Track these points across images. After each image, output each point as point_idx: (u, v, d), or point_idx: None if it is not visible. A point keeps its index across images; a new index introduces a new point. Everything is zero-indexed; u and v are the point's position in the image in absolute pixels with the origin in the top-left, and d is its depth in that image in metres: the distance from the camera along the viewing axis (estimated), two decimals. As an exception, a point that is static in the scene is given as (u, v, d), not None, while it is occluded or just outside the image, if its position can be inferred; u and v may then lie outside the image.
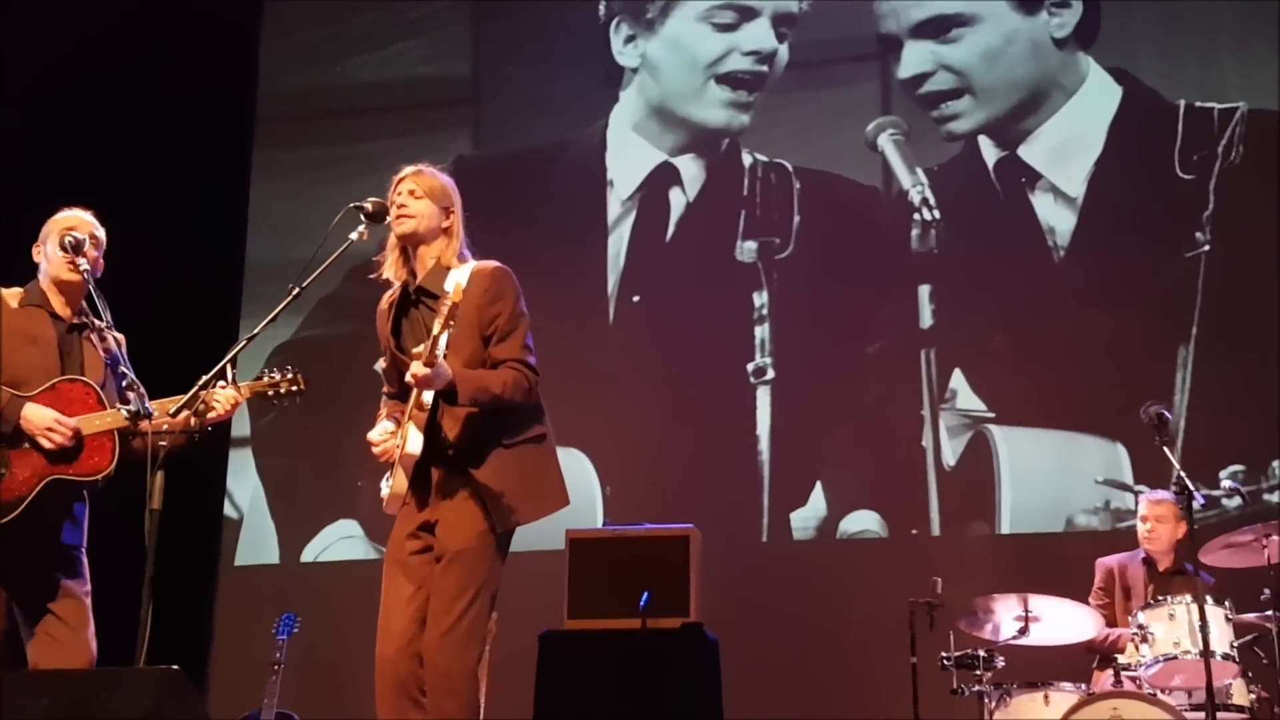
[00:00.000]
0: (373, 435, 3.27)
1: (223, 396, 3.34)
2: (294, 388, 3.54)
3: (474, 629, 3.16)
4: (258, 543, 6.58)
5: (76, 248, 3.47)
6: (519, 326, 3.27)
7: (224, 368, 3.21)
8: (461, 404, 3.14)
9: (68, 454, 3.36)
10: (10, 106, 6.14)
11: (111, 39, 6.46)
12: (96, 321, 3.52)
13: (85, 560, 3.52)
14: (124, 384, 3.36)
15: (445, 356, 3.08)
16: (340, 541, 6.47)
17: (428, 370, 3.02)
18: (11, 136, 6.10)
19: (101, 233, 3.60)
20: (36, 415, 3.33)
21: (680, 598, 4.37)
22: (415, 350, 3.09)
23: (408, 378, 3.11)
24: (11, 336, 3.43)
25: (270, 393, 3.52)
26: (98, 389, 3.45)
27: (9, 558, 3.35)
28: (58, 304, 3.52)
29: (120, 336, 3.53)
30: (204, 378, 3.17)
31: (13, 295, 3.52)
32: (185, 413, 3.18)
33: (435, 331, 3.01)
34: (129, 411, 3.24)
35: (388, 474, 3.24)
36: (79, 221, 3.56)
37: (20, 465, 3.35)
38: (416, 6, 7.11)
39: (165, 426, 3.11)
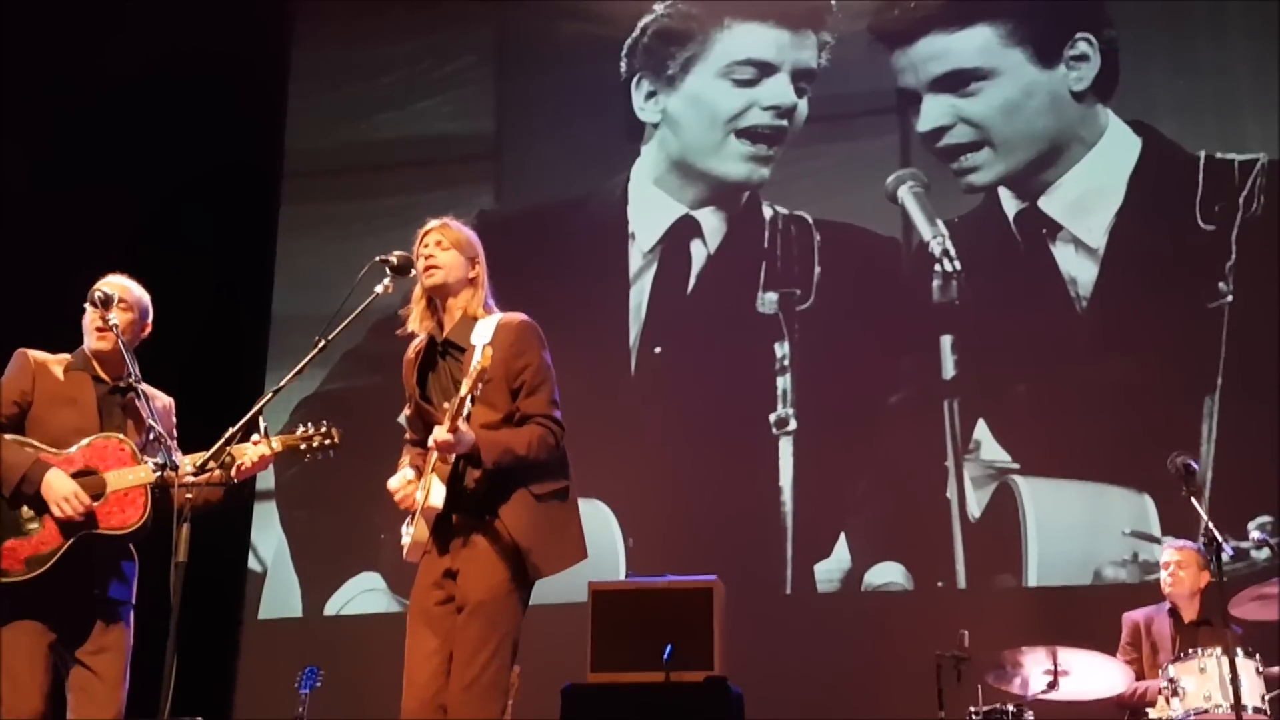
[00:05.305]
0: (392, 482, 3.28)
1: (253, 451, 3.33)
2: (327, 440, 3.49)
3: (496, 681, 3.16)
4: (281, 596, 6.58)
5: (106, 302, 3.50)
6: (546, 380, 3.29)
7: (255, 421, 3.21)
8: (486, 468, 3.16)
9: (93, 511, 3.37)
10: (38, 162, 6.24)
11: (141, 97, 6.57)
12: (145, 388, 3.53)
13: (131, 617, 3.51)
14: (151, 437, 3.38)
15: (470, 416, 3.10)
16: (363, 594, 6.47)
17: (449, 438, 3.04)
18: (39, 192, 6.19)
19: (136, 296, 3.61)
20: (57, 483, 3.34)
21: (704, 651, 4.34)
22: (444, 406, 3.10)
23: (430, 443, 3.12)
24: (50, 400, 3.47)
25: (303, 446, 3.48)
26: (133, 445, 3.46)
27: (54, 608, 3.37)
28: (100, 368, 3.56)
29: (169, 401, 3.60)
30: (229, 431, 3.18)
31: (59, 361, 3.56)
32: (212, 464, 3.19)
33: (462, 394, 3.03)
34: (155, 464, 3.27)
35: (408, 521, 3.25)
36: (112, 285, 3.59)
37: (52, 520, 3.36)
38: (440, 65, 7.22)
39: (191, 481, 3.11)
